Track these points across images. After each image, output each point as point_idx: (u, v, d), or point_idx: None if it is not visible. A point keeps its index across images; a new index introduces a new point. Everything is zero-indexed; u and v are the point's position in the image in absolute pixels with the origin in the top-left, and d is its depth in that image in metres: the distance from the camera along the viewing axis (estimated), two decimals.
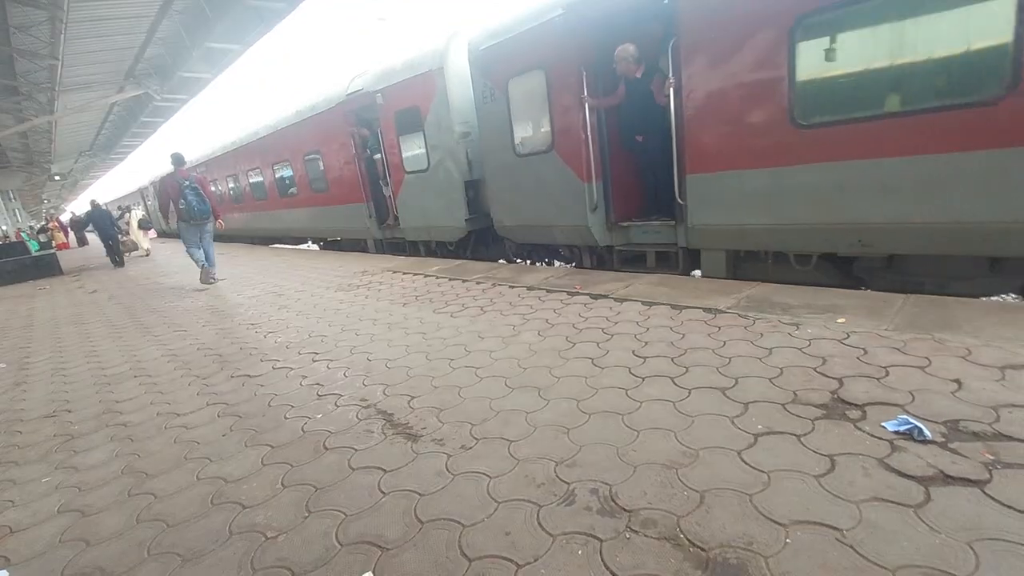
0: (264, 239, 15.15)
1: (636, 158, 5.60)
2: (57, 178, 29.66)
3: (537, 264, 7.07)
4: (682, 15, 4.38)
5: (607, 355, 3.13)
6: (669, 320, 3.60)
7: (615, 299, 4.26)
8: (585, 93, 5.17)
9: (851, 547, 1.48)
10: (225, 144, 14.44)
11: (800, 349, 2.86)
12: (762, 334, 3.13)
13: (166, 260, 13.35)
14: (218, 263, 8.63)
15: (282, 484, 2.23)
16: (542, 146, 5.86)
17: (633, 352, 3.12)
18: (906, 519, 1.56)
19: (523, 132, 6.09)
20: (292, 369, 3.66)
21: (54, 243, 21.38)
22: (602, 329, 3.60)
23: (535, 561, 1.59)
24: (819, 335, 3.01)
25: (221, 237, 12.81)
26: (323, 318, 5.00)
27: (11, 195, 29.68)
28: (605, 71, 5.35)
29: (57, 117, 17.13)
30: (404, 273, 6.74)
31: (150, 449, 2.75)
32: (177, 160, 7.88)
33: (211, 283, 7.89)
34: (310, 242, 13.51)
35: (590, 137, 5.29)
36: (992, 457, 1.78)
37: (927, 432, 1.93)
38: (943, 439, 1.91)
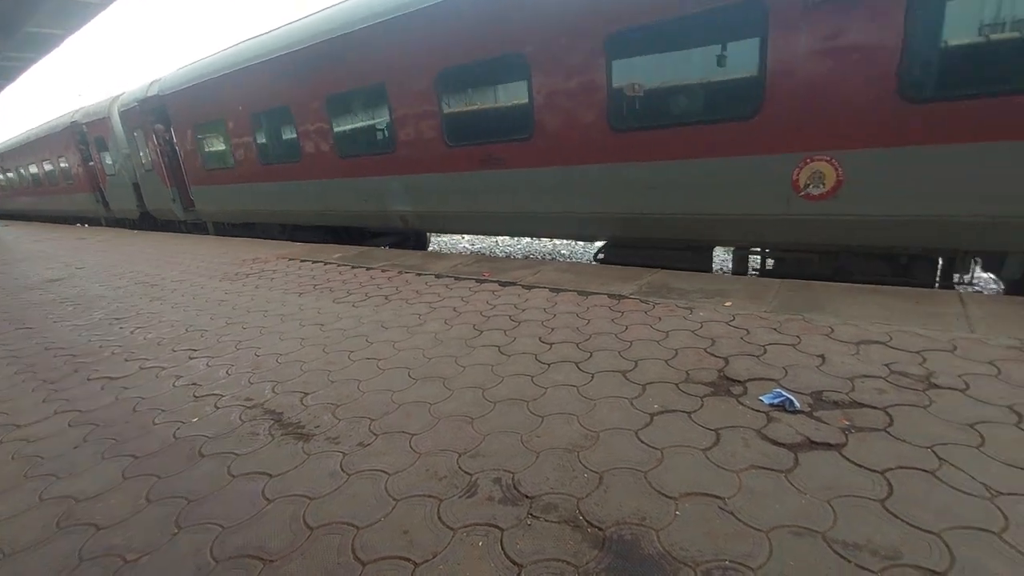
0: (45, 218, 19.68)
1: None
2: None
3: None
4: (170, 113, 9.50)
5: (514, 342, 3.12)
6: (576, 306, 3.67)
7: (523, 286, 4.27)
8: (155, 142, 10.03)
9: (731, 513, 1.58)
10: (12, 141, 18.80)
11: (693, 331, 3.04)
12: (660, 318, 3.30)
13: None
14: (79, 249, 10.35)
15: (147, 499, 1.95)
16: (151, 166, 10.59)
17: (540, 339, 3.14)
18: (778, 484, 1.69)
19: (144, 158, 10.75)
20: (164, 368, 3.25)
21: None
22: (510, 316, 3.59)
23: (433, 558, 1.52)
24: (709, 318, 3.22)
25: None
26: (204, 310, 4.51)
27: None
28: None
29: None
30: (301, 261, 6.29)
31: None
32: None
33: None
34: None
35: (165, 165, 10.17)
36: (848, 423, 1.99)
37: (797, 403, 2.13)
38: (809, 409, 2.11)
